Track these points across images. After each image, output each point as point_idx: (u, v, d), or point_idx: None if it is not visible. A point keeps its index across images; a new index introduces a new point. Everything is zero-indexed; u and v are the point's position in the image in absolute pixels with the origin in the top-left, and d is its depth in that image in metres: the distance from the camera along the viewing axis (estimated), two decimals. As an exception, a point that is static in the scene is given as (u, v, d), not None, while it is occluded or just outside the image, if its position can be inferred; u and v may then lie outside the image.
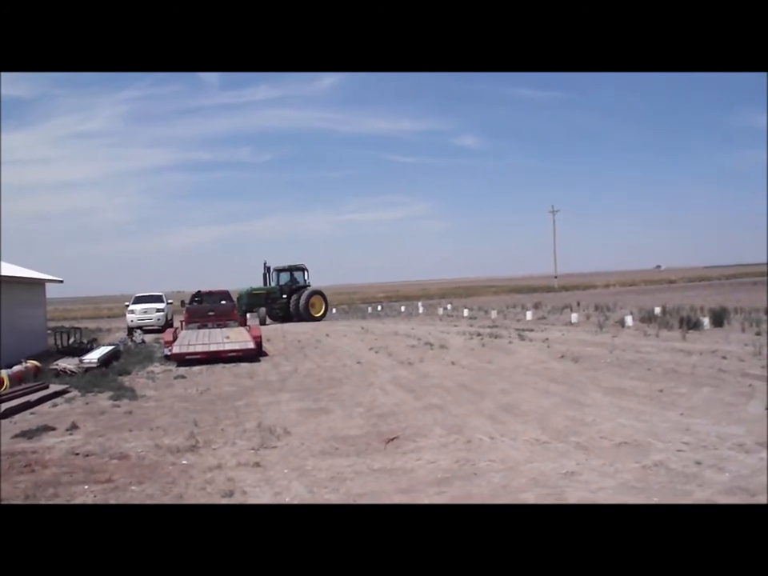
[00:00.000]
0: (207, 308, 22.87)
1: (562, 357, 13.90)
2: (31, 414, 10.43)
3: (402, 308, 42.39)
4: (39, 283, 20.78)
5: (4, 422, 9.73)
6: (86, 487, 6.31)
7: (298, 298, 31.57)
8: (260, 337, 17.54)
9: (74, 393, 12.18)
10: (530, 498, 5.34)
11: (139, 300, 30.42)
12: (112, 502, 5.80)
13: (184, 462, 7.12)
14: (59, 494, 6.10)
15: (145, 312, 29.19)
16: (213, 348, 16.52)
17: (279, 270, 32.96)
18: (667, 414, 8.05)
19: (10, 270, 19.00)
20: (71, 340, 20.00)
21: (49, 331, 20.99)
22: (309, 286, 32.74)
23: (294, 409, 9.87)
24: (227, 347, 16.57)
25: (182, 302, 25.48)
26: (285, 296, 31.85)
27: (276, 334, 24.52)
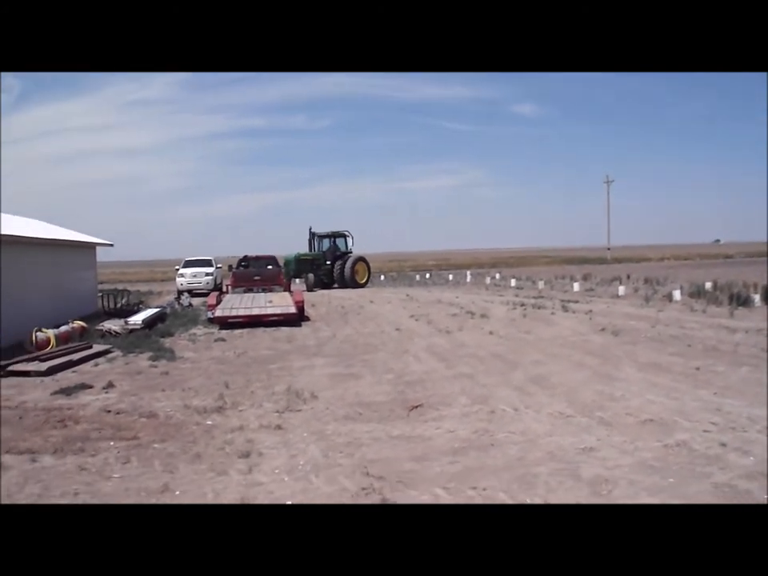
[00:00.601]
0: (253, 272, 23.11)
1: (603, 330, 13.58)
2: (73, 372, 10.82)
3: (450, 276, 42.19)
4: (90, 246, 21.40)
5: (47, 379, 10.13)
6: (112, 443, 6.54)
7: (343, 265, 31.76)
8: (302, 302, 17.70)
9: (116, 353, 12.59)
10: (543, 471, 5.26)
11: (189, 264, 31.09)
12: (134, 458, 6.02)
13: (209, 422, 7.27)
14: (85, 448, 6.37)
15: (194, 276, 29.83)
16: (255, 312, 16.76)
17: (321, 237, 33.08)
18: (700, 392, 7.77)
19: (61, 233, 19.65)
20: (121, 302, 20.59)
21: (100, 294, 21.61)
22: (351, 252, 32.82)
23: (326, 374, 9.95)
24: (269, 311, 16.78)
25: (230, 267, 25.87)
26: (328, 262, 32.07)
27: (321, 299, 24.79)
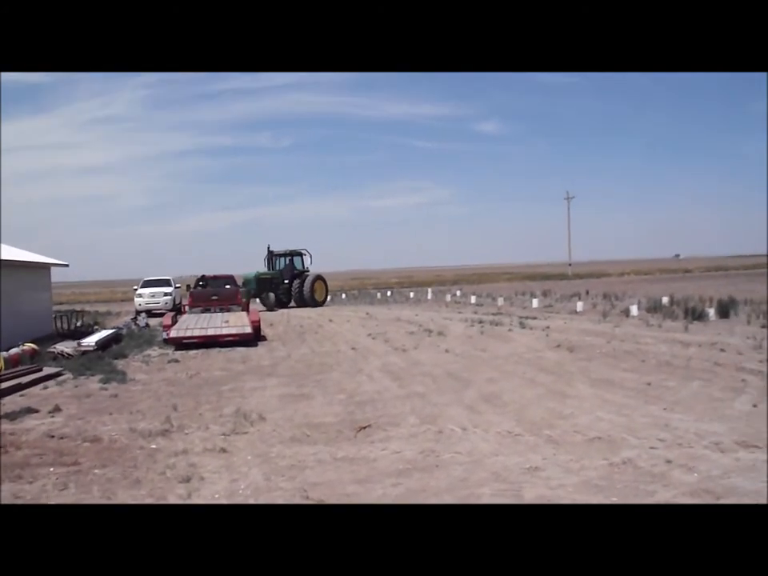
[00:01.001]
0: (211, 292, 22.82)
1: (558, 346, 13.70)
2: (21, 395, 10.46)
3: (411, 294, 42.25)
4: (44, 267, 20.89)
5: (-8, 403, 9.78)
6: (51, 469, 6.31)
7: (301, 283, 31.62)
8: (258, 321, 17.52)
9: (67, 376, 12.25)
10: (485, 492, 5.20)
11: (148, 284, 30.64)
12: (72, 485, 5.80)
13: (153, 446, 7.08)
14: (23, 475, 6.11)
15: (152, 296, 29.40)
16: (210, 332, 16.52)
17: (279, 255, 32.89)
18: (650, 408, 7.84)
19: (14, 253, 19.12)
20: (75, 323, 20.12)
21: (54, 315, 21.09)
22: (308, 271, 32.75)
23: (277, 394, 9.80)
24: (224, 331, 16.57)
25: (188, 286, 25.52)
26: (286, 281, 31.90)
27: (280, 318, 24.65)
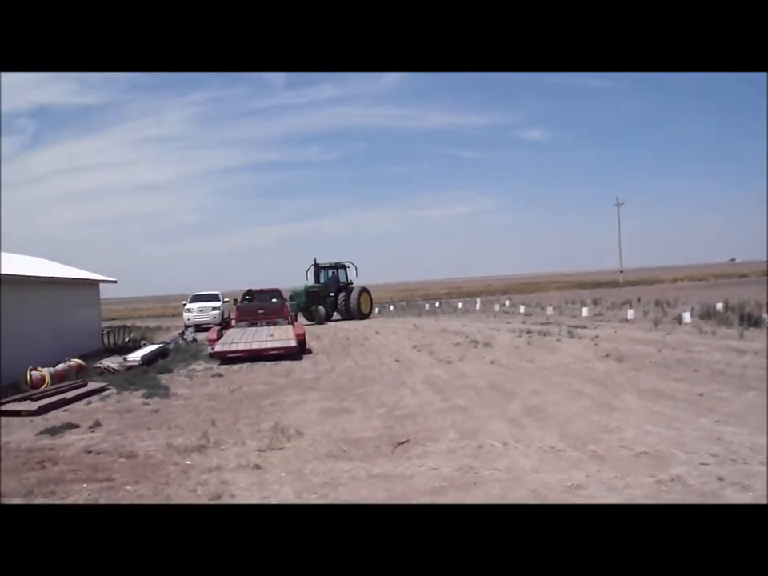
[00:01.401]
0: (257, 306, 23.00)
1: (607, 356, 13.23)
2: (65, 411, 10.65)
3: (460, 305, 41.81)
4: (93, 283, 21.38)
5: (37, 418, 9.95)
6: (85, 485, 6.30)
7: (347, 296, 31.40)
8: (303, 335, 17.52)
9: (111, 391, 12.42)
10: (524, 511, 4.95)
11: (196, 299, 31.13)
12: (102, 501, 5.77)
13: (188, 462, 7.03)
14: (57, 491, 6.11)
15: (201, 311, 29.83)
16: (255, 346, 16.59)
17: (324, 268, 32.64)
18: (701, 420, 7.40)
19: (62, 271, 19.64)
20: (123, 339, 20.50)
21: (103, 331, 21.51)
22: (352, 283, 32.55)
23: (317, 408, 9.69)
24: (269, 345, 16.61)
25: (235, 300, 25.78)
26: (332, 294, 31.72)
27: (327, 331, 24.60)
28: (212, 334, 17.72)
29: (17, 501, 5.80)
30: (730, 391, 8.99)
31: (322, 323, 29.33)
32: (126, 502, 5.69)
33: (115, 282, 22.43)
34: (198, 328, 28.01)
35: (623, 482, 5.50)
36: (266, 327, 20.23)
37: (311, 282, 31.98)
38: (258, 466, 6.67)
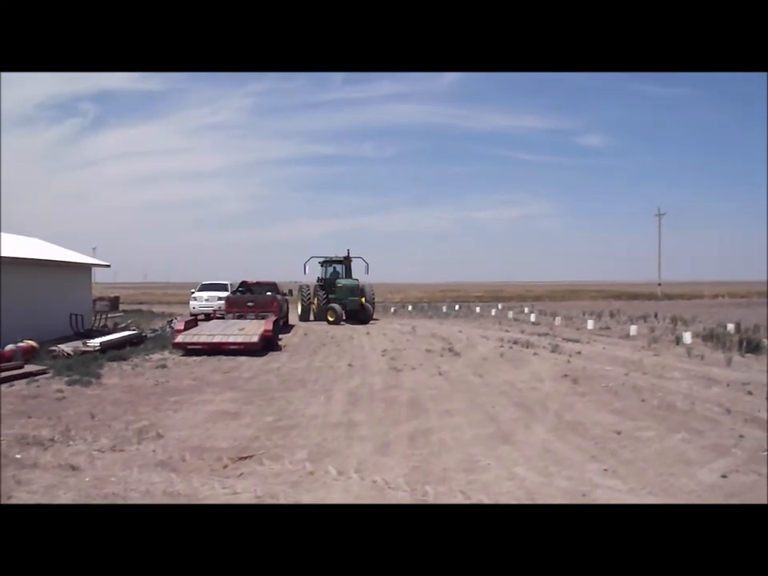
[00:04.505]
0: (247, 299, 22.64)
1: (565, 376, 12.25)
2: (-23, 391, 10.35)
3: (478, 309, 40.79)
4: (85, 267, 21.37)
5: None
6: None
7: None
8: (270, 331, 16.98)
9: (48, 375, 12.13)
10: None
11: (205, 287, 31.11)
12: None
13: (17, 456, 6.70)
14: None
15: (207, 300, 29.65)
16: (216, 339, 16.19)
17: (328, 262, 30.59)
18: (588, 467, 6.38)
19: (55, 254, 19.70)
20: (99, 323, 20.40)
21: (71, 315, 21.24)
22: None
23: (213, 410, 9.12)
24: (230, 339, 16.17)
25: (233, 291, 25.54)
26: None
27: (315, 329, 24.11)
28: (180, 325, 17.39)
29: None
30: (657, 431, 7.93)
31: (338, 324, 27.01)
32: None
33: (108, 266, 22.40)
34: (208, 317, 27.81)
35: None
36: (238, 320, 19.83)
37: (305, 277, 30.07)
38: (73, 467, 6.22)
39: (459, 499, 5.41)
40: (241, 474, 6.13)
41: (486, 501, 5.36)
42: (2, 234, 19.41)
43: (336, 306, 27.62)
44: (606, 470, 6.35)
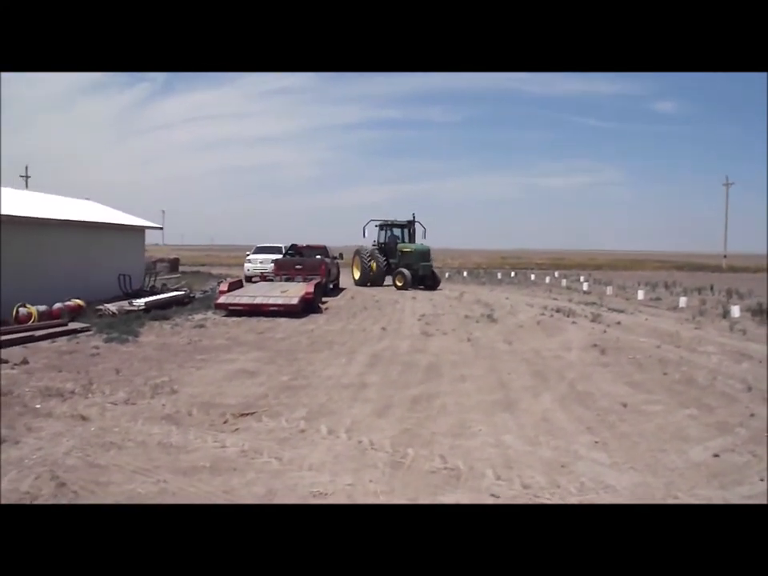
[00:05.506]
0: (295, 261, 23.01)
1: (594, 345, 12.06)
2: (25, 347, 11.01)
3: (533, 276, 40.27)
4: (139, 230, 22.15)
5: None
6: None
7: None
8: (311, 294, 17.28)
9: (89, 333, 12.77)
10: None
11: (259, 250, 31.75)
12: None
13: (38, 406, 7.13)
14: None
15: (261, 262, 30.26)
16: (257, 301, 16.59)
17: (387, 226, 30.06)
18: (579, 438, 6.31)
19: (110, 216, 20.44)
20: (150, 283, 21.16)
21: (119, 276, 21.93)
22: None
23: (235, 369, 9.46)
24: (270, 301, 16.55)
25: (285, 254, 25.96)
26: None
27: (364, 292, 24.34)
28: (223, 286, 17.92)
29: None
30: (666, 405, 7.76)
31: (406, 289, 26.56)
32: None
33: (161, 228, 23.15)
34: (264, 278, 28.37)
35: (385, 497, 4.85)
36: (292, 283, 20.15)
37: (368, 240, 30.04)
38: (83, 417, 6.62)
39: (436, 462, 5.53)
40: (236, 430, 6.41)
41: (461, 466, 5.46)
42: (58, 197, 20.28)
43: (405, 270, 27.07)
44: (596, 442, 6.28)
